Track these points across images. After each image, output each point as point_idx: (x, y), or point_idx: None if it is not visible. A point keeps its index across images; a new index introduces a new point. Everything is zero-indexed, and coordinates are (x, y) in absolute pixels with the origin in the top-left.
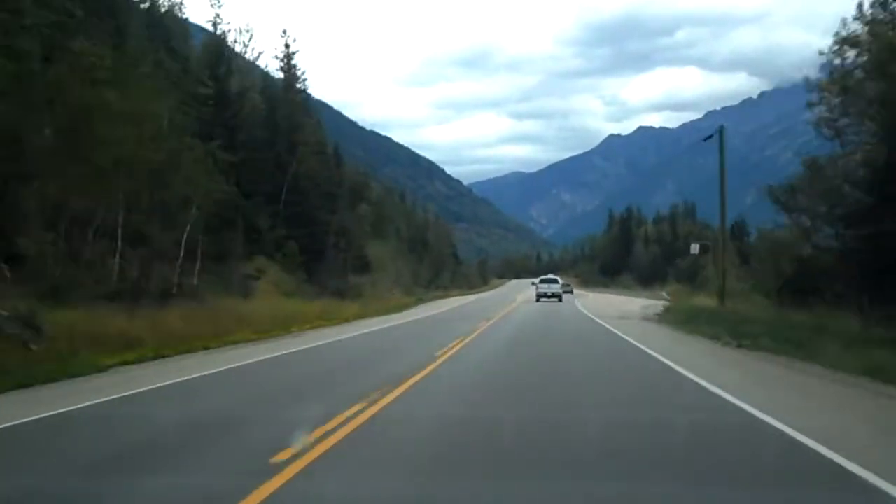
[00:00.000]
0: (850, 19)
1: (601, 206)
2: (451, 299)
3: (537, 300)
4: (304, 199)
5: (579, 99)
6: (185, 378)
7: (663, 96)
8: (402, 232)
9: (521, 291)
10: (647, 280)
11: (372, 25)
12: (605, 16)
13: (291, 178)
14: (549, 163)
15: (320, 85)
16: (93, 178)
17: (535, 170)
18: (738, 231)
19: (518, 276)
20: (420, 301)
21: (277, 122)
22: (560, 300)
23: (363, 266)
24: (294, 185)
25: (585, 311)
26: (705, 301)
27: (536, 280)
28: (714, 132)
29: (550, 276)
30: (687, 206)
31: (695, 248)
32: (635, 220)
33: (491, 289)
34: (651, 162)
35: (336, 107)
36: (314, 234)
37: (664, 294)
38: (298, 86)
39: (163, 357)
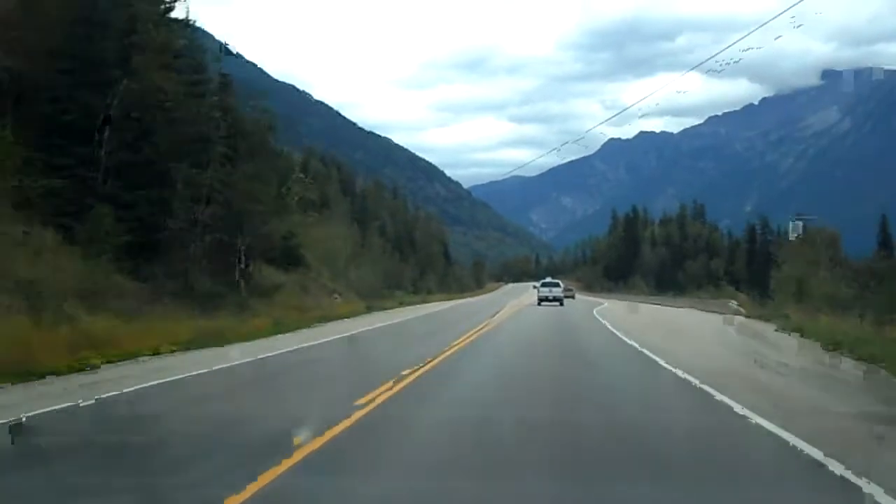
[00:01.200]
0: None
1: (601, 210)
2: (422, 307)
3: (539, 304)
4: (142, 140)
5: (580, 103)
6: None
7: (664, 101)
8: (387, 228)
9: (517, 296)
10: (661, 285)
11: (371, 28)
12: (606, 20)
13: (120, 103)
14: (549, 167)
15: (320, 87)
16: None
17: (535, 174)
18: (763, 231)
19: (517, 280)
20: (370, 310)
21: (97, 8)
22: (562, 304)
23: (289, 259)
24: (126, 116)
25: (658, 359)
26: (853, 325)
27: (538, 284)
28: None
29: (551, 279)
30: (696, 206)
31: (797, 228)
32: (641, 220)
33: (484, 293)
34: (652, 167)
35: (335, 108)
36: (157, 201)
37: (733, 304)
38: None
39: None
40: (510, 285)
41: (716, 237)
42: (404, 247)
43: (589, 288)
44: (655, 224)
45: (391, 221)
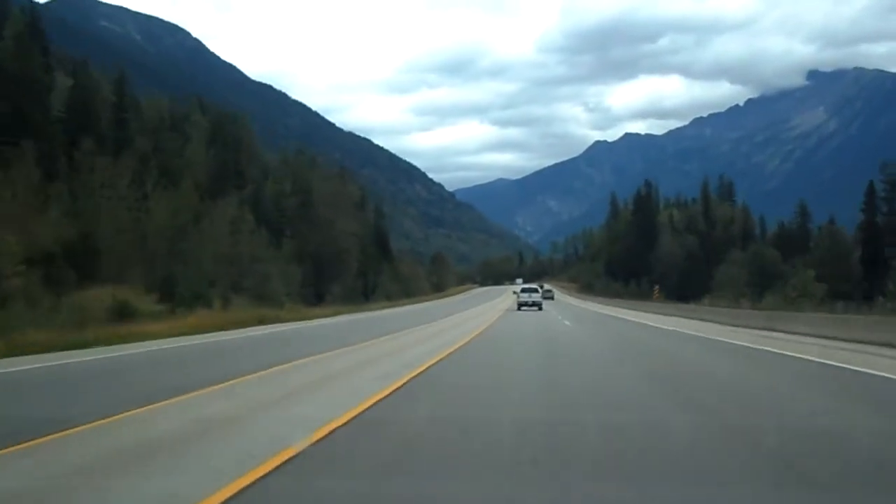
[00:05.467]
0: None
1: (588, 212)
2: None
3: (518, 308)
4: None
5: (563, 106)
6: None
7: (646, 104)
8: (264, 196)
9: (446, 314)
10: (685, 289)
11: (350, 31)
12: (588, 22)
13: None
14: (533, 170)
15: (299, 89)
16: None
17: (519, 177)
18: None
19: (497, 282)
20: None
21: None
22: (540, 308)
23: None
24: None
25: None
26: None
27: (518, 289)
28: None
29: (529, 285)
30: (722, 182)
31: None
32: (654, 202)
33: (430, 300)
34: (638, 169)
35: (314, 109)
36: None
37: None
38: None
39: None
40: (481, 289)
41: (751, 225)
42: (282, 225)
43: (588, 289)
44: (673, 207)
45: (275, 185)
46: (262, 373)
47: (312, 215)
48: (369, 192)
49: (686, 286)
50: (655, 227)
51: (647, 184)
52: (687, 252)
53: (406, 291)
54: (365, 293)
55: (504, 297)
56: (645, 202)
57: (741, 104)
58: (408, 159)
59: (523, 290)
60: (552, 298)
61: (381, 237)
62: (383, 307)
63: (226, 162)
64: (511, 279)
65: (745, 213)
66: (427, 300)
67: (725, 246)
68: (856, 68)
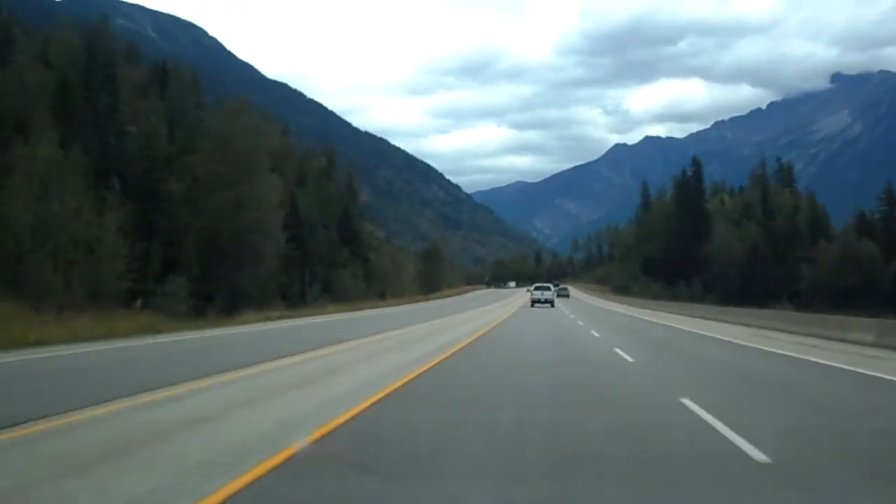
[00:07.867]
0: None
1: (607, 215)
2: None
3: (532, 305)
4: None
5: (581, 109)
6: None
7: (666, 107)
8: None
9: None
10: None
11: (367, 33)
12: (607, 25)
13: None
14: (551, 173)
15: (317, 92)
16: None
17: (538, 179)
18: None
19: (506, 284)
20: None
21: None
22: (552, 305)
23: None
24: None
25: None
26: None
27: (531, 287)
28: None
29: (513, 285)
30: (782, 167)
31: None
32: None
33: (357, 310)
34: (658, 172)
35: (330, 109)
36: None
37: None
38: None
39: None
40: (482, 291)
41: (823, 212)
42: (153, 184)
43: (624, 292)
44: (724, 192)
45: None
46: None
47: (214, 176)
48: (382, 189)
49: (749, 288)
50: (706, 216)
51: (695, 162)
52: (750, 246)
53: (380, 292)
54: (302, 293)
55: (499, 306)
56: (692, 187)
57: (763, 107)
58: (425, 161)
59: (536, 288)
60: (567, 296)
61: (347, 221)
62: (255, 321)
63: (68, 95)
64: (530, 281)
65: (811, 201)
66: (385, 306)
67: (791, 238)
68: (881, 71)
